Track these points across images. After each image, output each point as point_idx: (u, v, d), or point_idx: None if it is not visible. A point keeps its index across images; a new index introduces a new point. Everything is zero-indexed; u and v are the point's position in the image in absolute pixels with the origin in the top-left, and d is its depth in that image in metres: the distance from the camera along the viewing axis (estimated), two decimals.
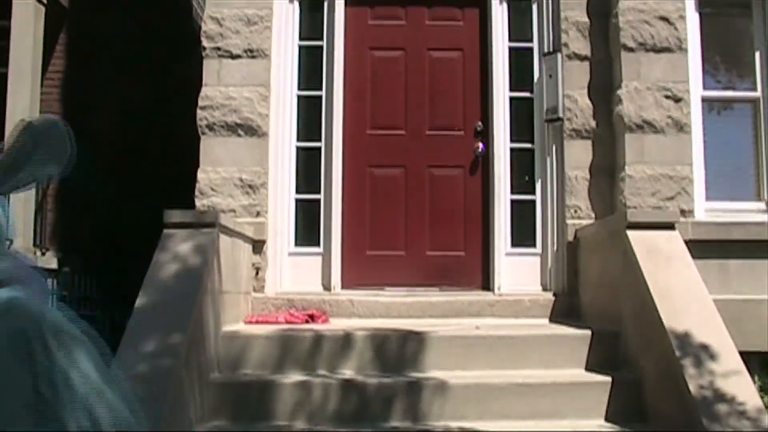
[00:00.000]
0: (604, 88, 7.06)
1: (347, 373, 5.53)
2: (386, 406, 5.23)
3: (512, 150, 7.26)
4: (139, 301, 5.06)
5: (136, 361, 4.65)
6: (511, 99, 7.31)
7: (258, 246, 6.93)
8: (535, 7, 7.39)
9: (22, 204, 9.48)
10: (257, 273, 6.92)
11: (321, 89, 7.35)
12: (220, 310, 5.64)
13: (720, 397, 4.72)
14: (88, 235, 10.24)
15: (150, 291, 5.13)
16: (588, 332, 5.77)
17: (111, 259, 9.77)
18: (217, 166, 6.99)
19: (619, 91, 6.89)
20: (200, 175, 6.97)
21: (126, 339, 4.79)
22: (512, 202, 7.21)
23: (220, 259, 5.65)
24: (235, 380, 5.43)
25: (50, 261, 9.64)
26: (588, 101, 7.05)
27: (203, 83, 7.09)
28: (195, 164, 7.02)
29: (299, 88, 7.37)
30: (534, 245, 7.18)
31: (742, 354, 5.03)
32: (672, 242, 5.76)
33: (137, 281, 5.25)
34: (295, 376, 5.42)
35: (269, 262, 7.02)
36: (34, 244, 9.82)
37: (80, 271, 8.23)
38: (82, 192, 10.40)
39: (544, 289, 7.09)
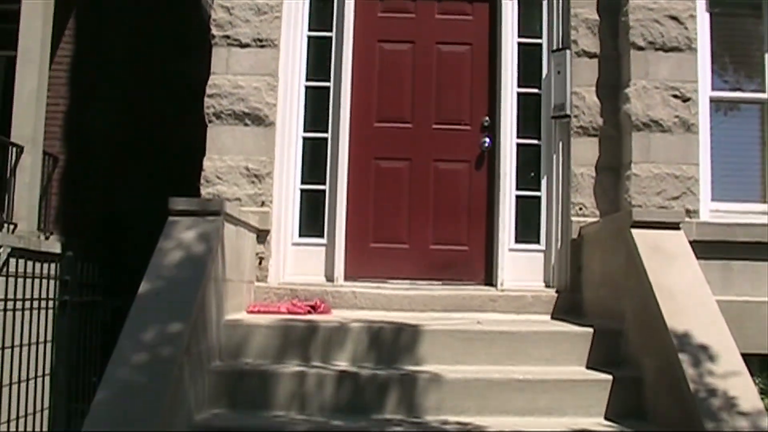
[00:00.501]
0: (612, 85, 7.05)
1: (347, 364, 5.54)
2: (384, 398, 5.24)
3: (518, 146, 7.25)
4: (142, 288, 5.05)
5: (138, 348, 4.65)
6: (519, 95, 7.30)
7: (262, 235, 6.94)
8: (545, 3, 7.38)
9: (27, 188, 9.51)
10: (261, 262, 6.93)
11: (329, 80, 7.35)
12: (222, 298, 5.64)
13: (720, 397, 4.72)
14: (92, 221, 10.28)
15: (153, 278, 5.13)
16: (590, 330, 5.77)
17: (114, 245, 9.80)
18: (224, 155, 6.99)
19: (626, 90, 6.87)
20: (206, 163, 6.97)
21: (128, 326, 4.80)
22: (517, 197, 7.21)
23: (224, 248, 5.65)
24: (235, 369, 5.43)
25: (54, 245, 9.68)
26: (596, 99, 7.04)
27: (212, 71, 7.09)
28: (201, 153, 7.03)
29: (307, 79, 7.37)
30: (538, 241, 7.18)
31: (743, 355, 5.02)
32: (676, 242, 5.75)
33: (140, 268, 5.26)
34: (295, 366, 5.43)
35: (273, 252, 7.03)
36: (39, 228, 9.84)
37: (83, 257, 8.24)
38: (86, 176, 10.44)
39: (547, 285, 7.09)
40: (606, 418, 5.22)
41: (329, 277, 7.12)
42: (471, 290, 7.00)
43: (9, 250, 8.65)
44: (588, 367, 5.62)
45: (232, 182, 6.95)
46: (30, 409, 8.13)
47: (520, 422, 5.07)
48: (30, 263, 8.47)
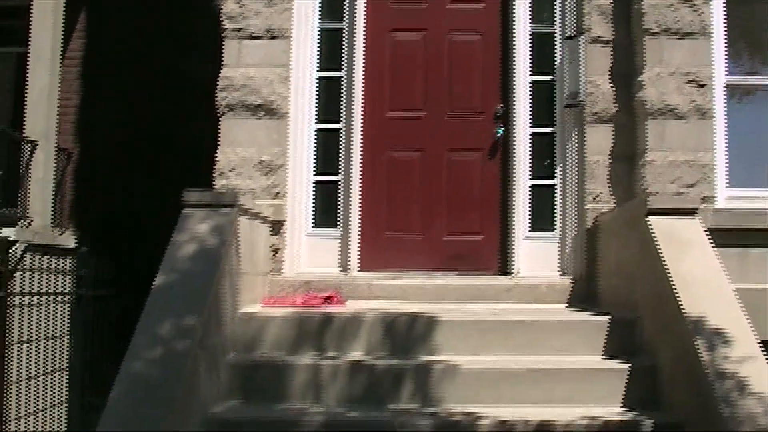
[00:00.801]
0: (625, 73, 7.00)
1: (362, 355, 5.53)
2: (400, 388, 5.24)
3: (532, 134, 7.22)
4: (157, 282, 5.06)
5: (153, 342, 4.66)
6: (532, 83, 7.25)
7: (276, 227, 6.93)
8: None
9: (41, 183, 9.53)
10: (275, 254, 6.92)
11: (341, 71, 7.33)
12: (237, 291, 5.64)
13: (736, 383, 4.69)
14: (107, 215, 10.30)
15: (167, 271, 5.13)
16: (605, 319, 5.74)
17: (129, 239, 9.83)
18: (236, 148, 6.98)
19: (641, 77, 6.82)
20: (219, 156, 6.96)
21: (143, 320, 4.80)
22: (531, 186, 7.18)
23: (238, 240, 5.65)
24: (250, 361, 5.43)
25: (68, 240, 9.71)
26: (609, 86, 6.99)
27: (223, 64, 7.08)
28: (212, 146, 7.02)
29: (319, 70, 7.35)
30: (552, 230, 7.15)
31: (760, 343, 4.99)
32: (692, 229, 5.71)
33: (155, 261, 5.26)
34: (310, 358, 5.42)
35: (287, 244, 7.02)
36: (53, 223, 9.87)
37: (98, 251, 8.27)
38: (99, 171, 10.48)
39: (562, 274, 7.06)
40: (622, 407, 5.19)
41: (343, 269, 7.12)
42: (486, 280, 6.97)
43: (25, 245, 8.67)
44: (604, 357, 5.59)
45: (246, 175, 6.94)
46: (47, 403, 8.17)
47: (536, 412, 5.04)
48: (45, 258, 8.51)
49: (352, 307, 6.36)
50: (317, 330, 5.64)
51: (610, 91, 6.98)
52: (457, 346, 5.57)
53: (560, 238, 7.13)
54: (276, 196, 6.96)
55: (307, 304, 6.31)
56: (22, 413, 7.79)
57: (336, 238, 7.17)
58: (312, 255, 7.15)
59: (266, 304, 6.37)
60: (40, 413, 7.99)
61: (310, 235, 7.19)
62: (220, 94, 7.02)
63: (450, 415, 5.02)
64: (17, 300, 7.69)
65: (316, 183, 7.26)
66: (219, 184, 6.93)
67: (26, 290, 7.81)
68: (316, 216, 7.24)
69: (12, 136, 9.32)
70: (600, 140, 6.99)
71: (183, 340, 4.68)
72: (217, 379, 5.12)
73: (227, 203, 5.64)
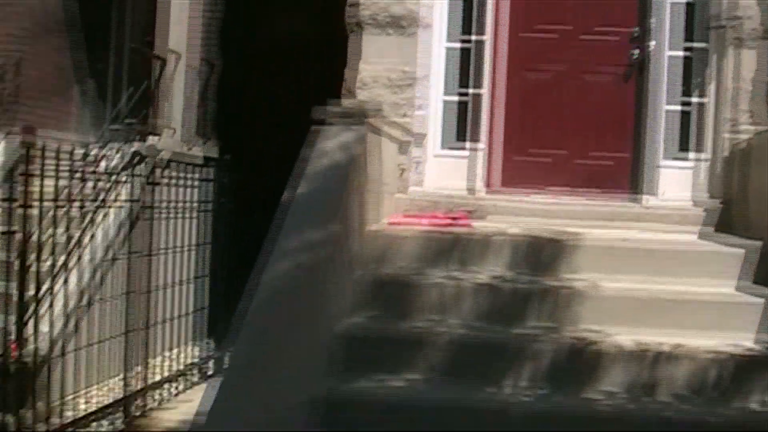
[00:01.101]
0: None
1: (488, 274, 5.53)
2: (525, 309, 5.23)
3: (671, 57, 6.97)
4: (287, 196, 5.15)
5: (283, 255, 4.78)
6: (672, 3, 6.97)
7: (405, 146, 6.93)
8: None
9: (184, 94, 9.83)
10: (403, 173, 6.93)
11: None
12: (364, 208, 5.70)
13: None
14: (247, 126, 10.55)
15: (297, 186, 5.22)
16: (741, 250, 5.58)
17: (265, 151, 10.06)
18: (367, 64, 6.97)
19: None
20: (350, 72, 6.97)
21: (272, 234, 4.92)
22: (668, 110, 6.96)
23: (366, 157, 5.69)
24: (376, 278, 5.51)
25: (212, 149, 10.01)
26: (756, 7, 6.65)
27: None
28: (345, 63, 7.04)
29: None
30: (688, 156, 6.94)
31: None
32: None
33: (288, 174, 5.35)
34: (436, 276, 5.47)
35: (415, 163, 7.03)
36: (197, 133, 10.18)
37: (238, 160, 8.52)
38: (241, 83, 10.71)
39: (697, 201, 6.86)
40: (756, 341, 5.00)
41: (471, 189, 7.08)
42: (617, 205, 6.86)
43: (169, 155, 8.94)
44: (738, 288, 5.43)
45: (376, 91, 6.92)
46: (190, 309, 8.57)
47: (667, 340, 4.90)
48: (188, 168, 8.81)
49: (479, 227, 6.35)
50: (444, 249, 5.69)
51: (756, 13, 6.65)
52: (586, 270, 5.49)
53: (696, 164, 6.91)
54: (406, 113, 6.95)
55: (433, 224, 6.33)
56: (168, 317, 8.20)
57: (464, 158, 7.13)
58: (440, 175, 7.14)
59: (393, 222, 6.41)
60: (178, 319, 8.38)
61: (438, 155, 7.18)
62: (351, 9, 6.93)
63: (577, 339, 4.98)
64: (161, 209, 8.02)
65: (447, 101, 7.21)
66: (349, 100, 6.95)
67: (170, 198, 8.13)
68: (445, 135, 7.21)
69: (151, 53, 9.59)
70: (745, 63, 6.70)
71: (313, 254, 4.76)
72: (344, 294, 5.23)
73: (357, 119, 5.63)
